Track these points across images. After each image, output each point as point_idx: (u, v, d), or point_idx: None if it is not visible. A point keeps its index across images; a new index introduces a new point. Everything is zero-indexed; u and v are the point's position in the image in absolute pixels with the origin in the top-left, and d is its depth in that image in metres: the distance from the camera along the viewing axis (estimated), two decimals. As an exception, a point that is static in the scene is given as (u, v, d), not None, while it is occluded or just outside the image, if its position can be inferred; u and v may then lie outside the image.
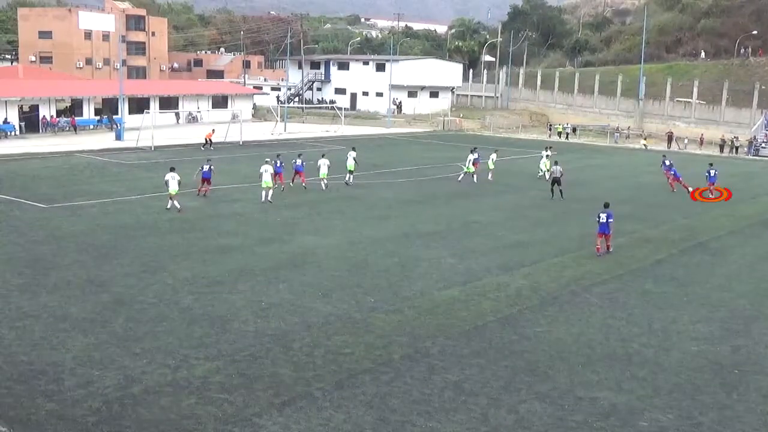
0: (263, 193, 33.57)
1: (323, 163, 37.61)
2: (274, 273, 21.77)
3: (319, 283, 20.92)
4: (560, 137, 78.01)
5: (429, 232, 28.47)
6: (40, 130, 62.82)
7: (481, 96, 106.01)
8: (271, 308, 18.49)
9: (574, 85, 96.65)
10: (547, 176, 41.18)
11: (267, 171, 33.39)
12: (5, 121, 59.93)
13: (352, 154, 40.03)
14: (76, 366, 14.50)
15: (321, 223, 29.70)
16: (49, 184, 37.40)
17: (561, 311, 19.32)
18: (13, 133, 59.91)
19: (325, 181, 37.50)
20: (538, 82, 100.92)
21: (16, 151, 50.35)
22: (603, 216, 25.35)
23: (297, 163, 37.48)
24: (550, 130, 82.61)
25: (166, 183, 30.86)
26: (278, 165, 35.96)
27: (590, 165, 55.83)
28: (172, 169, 31.38)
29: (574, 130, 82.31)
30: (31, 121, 63.03)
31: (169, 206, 30.95)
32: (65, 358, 14.91)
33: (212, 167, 34.71)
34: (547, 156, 44.56)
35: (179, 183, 30.97)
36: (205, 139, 56.20)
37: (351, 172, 39.39)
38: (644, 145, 72.83)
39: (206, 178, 34.27)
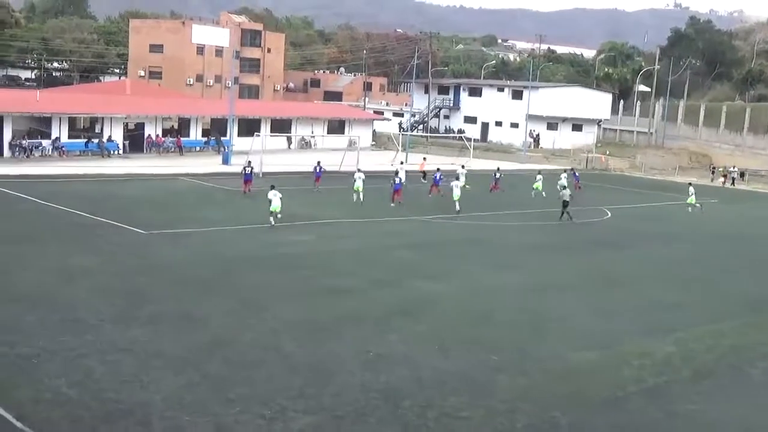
0: (354, 195, 42.71)
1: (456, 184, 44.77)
2: (386, 320, 21.87)
3: (435, 334, 20.85)
4: (725, 183, 75.39)
5: (563, 284, 27.98)
6: (145, 150, 65.59)
7: (633, 131, 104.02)
8: (381, 360, 18.55)
9: (743, 122, 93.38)
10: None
11: (360, 178, 43.25)
12: (109, 139, 62.75)
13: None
14: (165, 408, 14.95)
15: (442, 266, 29.72)
16: (149, 208, 39.13)
17: (718, 387, 18.53)
18: (116, 152, 62.84)
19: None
20: (701, 118, 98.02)
21: (118, 171, 52.96)
22: None
23: (436, 177, 47.84)
24: (713, 173, 79.96)
25: (270, 201, 34.90)
26: (398, 183, 44.25)
27: (762, 217, 53.58)
28: (272, 187, 35.52)
29: (742, 175, 79.29)
30: (135, 140, 65.78)
31: (273, 222, 34.56)
32: (155, 398, 15.40)
33: (253, 167, 45.97)
34: None
35: (281, 200, 35.03)
36: (421, 172, 57.27)
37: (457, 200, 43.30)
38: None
39: (248, 180, 43.92)
